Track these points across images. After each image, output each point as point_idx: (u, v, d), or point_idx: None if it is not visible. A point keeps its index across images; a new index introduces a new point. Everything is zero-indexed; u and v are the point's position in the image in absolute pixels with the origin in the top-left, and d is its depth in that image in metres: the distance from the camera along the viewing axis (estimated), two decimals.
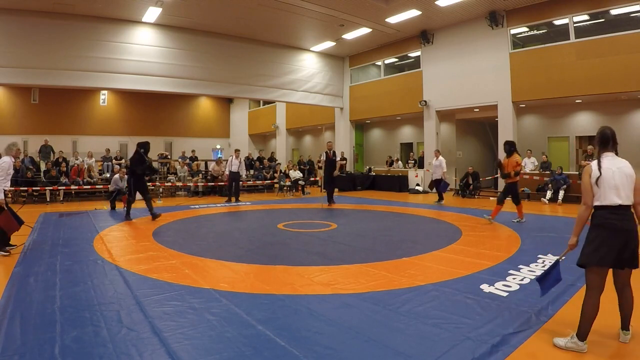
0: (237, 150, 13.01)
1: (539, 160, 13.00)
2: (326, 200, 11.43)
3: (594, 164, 2.77)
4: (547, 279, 3.11)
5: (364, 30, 15.18)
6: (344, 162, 18.39)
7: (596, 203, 2.70)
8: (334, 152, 11.47)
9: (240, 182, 13.35)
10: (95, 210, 10.42)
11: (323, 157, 11.48)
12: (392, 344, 2.73)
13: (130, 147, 20.98)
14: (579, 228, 2.79)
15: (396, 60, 17.70)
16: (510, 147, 7.96)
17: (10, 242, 5.60)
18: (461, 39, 14.42)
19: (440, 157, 12.22)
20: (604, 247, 2.61)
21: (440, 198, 11.85)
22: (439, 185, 11.98)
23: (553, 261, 3.19)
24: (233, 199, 12.49)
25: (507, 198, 8.00)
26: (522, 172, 8.86)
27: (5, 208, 5.47)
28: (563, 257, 3.03)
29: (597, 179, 2.69)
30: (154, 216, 8.52)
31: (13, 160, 5.67)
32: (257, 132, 25.32)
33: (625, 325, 2.78)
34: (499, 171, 8.31)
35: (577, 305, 3.39)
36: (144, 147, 8.81)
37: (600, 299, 2.67)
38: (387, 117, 18.30)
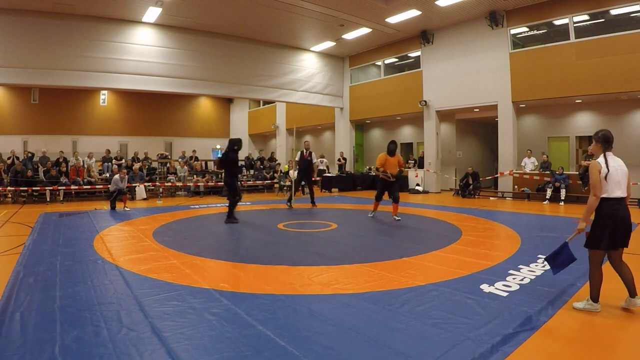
0: None
1: (539, 160, 13.00)
2: (310, 201, 11.17)
3: (601, 161, 3.20)
4: (557, 259, 3.47)
5: (364, 30, 15.17)
6: (343, 162, 18.38)
7: (603, 195, 3.17)
8: (309, 153, 11.12)
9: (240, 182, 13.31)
10: (95, 210, 10.42)
11: (297, 157, 11.15)
12: (392, 344, 2.73)
13: (130, 147, 21.01)
14: (588, 215, 3.23)
15: (396, 60, 17.69)
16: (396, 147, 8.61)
17: None
18: (461, 39, 14.41)
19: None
20: (607, 233, 3.15)
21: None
22: None
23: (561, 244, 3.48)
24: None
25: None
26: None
27: None
28: (570, 239, 3.42)
29: (606, 175, 3.15)
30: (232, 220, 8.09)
31: None
32: (257, 132, 25.32)
33: (633, 293, 3.22)
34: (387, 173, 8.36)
35: None
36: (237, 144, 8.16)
37: (601, 269, 3.25)
38: (387, 117, 18.30)
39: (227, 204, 8.42)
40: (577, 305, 3.32)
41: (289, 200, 10.94)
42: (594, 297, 3.26)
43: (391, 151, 8.31)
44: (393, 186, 8.39)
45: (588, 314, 3.26)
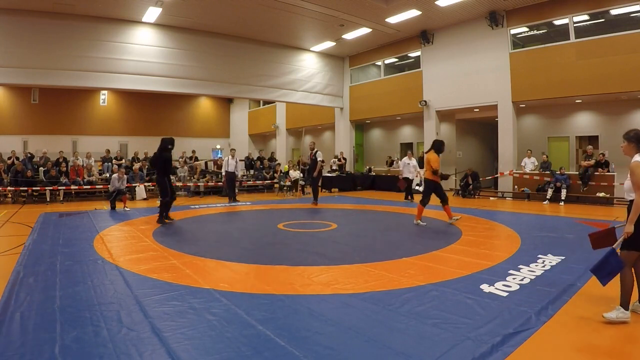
0: (233, 150, 13.29)
1: (539, 160, 13.00)
2: (312, 200, 11.69)
3: None
4: (606, 269, 3.19)
5: (364, 30, 15.17)
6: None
7: None
8: (315, 152, 11.34)
9: (239, 182, 13.41)
10: (95, 210, 10.42)
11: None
12: (392, 344, 2.73)
13: (130, 147, 21.00)
14: (636, 216, 3.04)
15: (396, 60, 17.69)
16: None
17: None
18: (461, 39, 14.42)
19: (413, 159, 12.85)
20: None
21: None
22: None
23: (608, 251, 3.21)
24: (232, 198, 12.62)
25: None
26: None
27: None
28: (617, 245, 3.21)
29: None
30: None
31: None
32: (257, 132, 25.32)
33: None
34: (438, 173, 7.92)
35: (577, 304, 3.43)
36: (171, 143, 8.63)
37: (632, 271, 3.14)
38: (387, 117, 18.30)
39: (159, 206, 8.36)
40: (610, 316, 3.08)
41: (315, 199, 11.57)
42: (625, 303, 3.09)
43: (441, 151, 7.93)
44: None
45: (588, 314, 3.24)
